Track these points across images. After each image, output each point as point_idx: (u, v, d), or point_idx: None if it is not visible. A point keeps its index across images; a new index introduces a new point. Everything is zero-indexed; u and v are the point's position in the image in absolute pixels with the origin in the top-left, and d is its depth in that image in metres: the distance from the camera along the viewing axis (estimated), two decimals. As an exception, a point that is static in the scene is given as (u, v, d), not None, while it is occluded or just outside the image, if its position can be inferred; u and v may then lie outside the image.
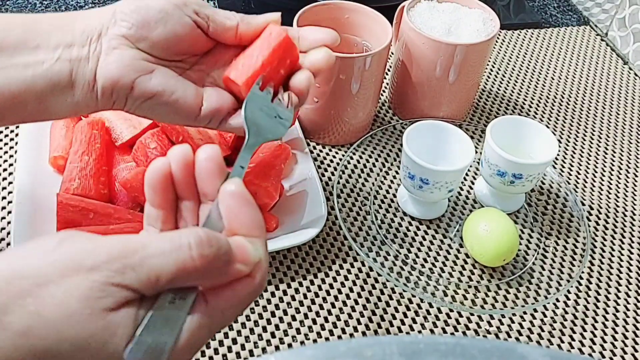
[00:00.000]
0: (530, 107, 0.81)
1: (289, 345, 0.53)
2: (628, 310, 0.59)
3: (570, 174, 0.73)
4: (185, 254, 0.30)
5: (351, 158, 0.69)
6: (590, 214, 0.68)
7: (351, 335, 0.54)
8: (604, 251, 0.64)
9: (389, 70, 0.80)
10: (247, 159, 0.39)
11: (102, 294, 0.29)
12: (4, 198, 0.60)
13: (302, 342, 0.53)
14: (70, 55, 0.43)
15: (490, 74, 0.85)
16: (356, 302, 0.57)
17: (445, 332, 0.56)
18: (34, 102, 0.43)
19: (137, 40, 0.44)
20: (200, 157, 0.36)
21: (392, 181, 0.68)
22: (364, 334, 0.55)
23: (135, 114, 0.47)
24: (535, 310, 0.58)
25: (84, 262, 0.30)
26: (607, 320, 0.58)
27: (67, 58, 0.43)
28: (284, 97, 0.46)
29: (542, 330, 0.57)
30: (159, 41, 0.45)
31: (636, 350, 0.56)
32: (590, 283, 0.61)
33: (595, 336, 0.57)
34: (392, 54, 0.75)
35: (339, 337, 0.54)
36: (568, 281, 0.60)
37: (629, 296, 0.60)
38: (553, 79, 0.86)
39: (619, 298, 0.60)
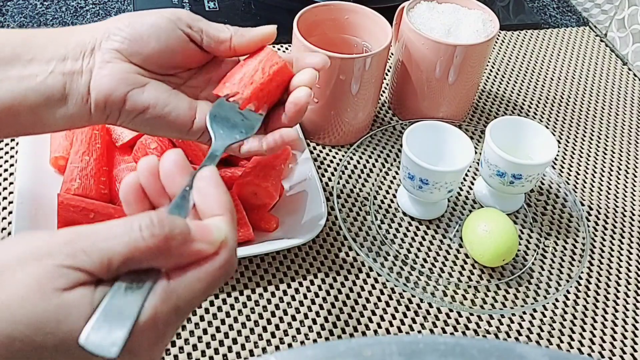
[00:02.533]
0: (530, 107, 0.81)
1: (289, 345, 0.53)
2: (627, 310, 0.59)
3: (570, 174, 0.73)
4: (136, 234, 0.31)
5: (351, 158, 0.69)
6: (590, 214, 0.68)
7: (351, 335, 0.54)
8: (603, 251, 0.64)
9: (388, 70, 0.80)
10: (212, 164, 0.40)
11: (55, 276, 0.30)
12: (4, 198, 0.60)
13: (302, 342, 0.53)
14: (64, 68, 0.43)
15: (489, 74, 0.85)
16: (356, 302, 0.57)
17: (444, 332, 0.56)
18: (27, 114, 0.43)
19: (130, 54, 0.45)
20: (163, 163, 0.37)
21: (392, 181, 0.68)
22: (364, 334, 0.55)
23: (128, 127, 0.47)
24: (534, 310, 0.58)
25: (39, 250, 0.30)
26: (606, 320, 0.58)
27: (61, 71, 0.43)
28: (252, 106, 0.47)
29: (542, 330, 0.57)
30: (152, 55, 0.45)
31: (635, 350, 0.56)
32: (590, 283, 0.61)
33: (594, 336, 0.57)
34: (392, 54, 0.75)
35: (339, 337, 0.54)
36: (567, 281, 0.60)
37: (628, 296, 0.60)
38: (552, 79, 0.86)
39: (618, 298, 0.60)
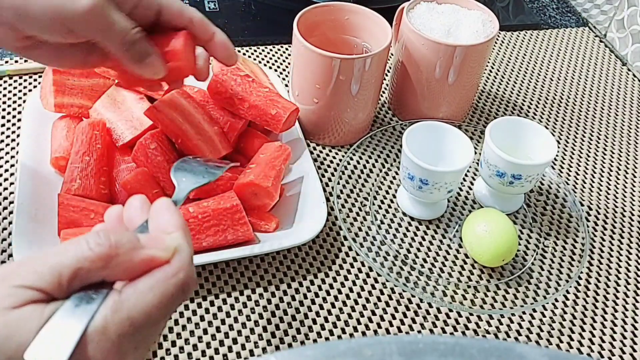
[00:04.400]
0: (530, 108, 0.81)
1: (289, 345, 0.53)
2: (626, 310, 0.59)
3: (569, 175, 0.73)
4: (83, 246, 0.31)
5: (351, 159, 0.70)
6: (589, 214, 0.68)
7: (351, 335, 0.55)
8: (602, 251, 0.64)
9: (388, 71, 0.80)
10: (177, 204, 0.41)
11: (5, 296, 0.30)
12: (5, 199, 0.61)
13: (302, 342, 0.54)
14: None
15: (489, 75, 0.85)
16: (356, 302, 0.57)
17: (444, 331, 0.56)
18: None
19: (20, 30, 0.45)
20: (126, 208, 0.38)
21: (392, 182, 0.68)
22: (364, 334, 0.55)
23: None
24: (534, 310, 0.58)
25: None
26: (605, 320, 0.58)
27: None
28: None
29: (541, 330, 0.57)
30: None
31: (634, 350, 0.56)
32: (589, 283, 0.61)
33: (593, 336, 0.57)
34: (392, 55, 0.76)
35: (339, 337, 0.54)
36: (567, 281, 0.60)
37: (627, 296, 0.61)
38: (552, 80, 0.86)
39: (617, 298, 0.60)
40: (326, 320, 0.55)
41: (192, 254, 0.35)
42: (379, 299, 0.57)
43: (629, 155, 0.76)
